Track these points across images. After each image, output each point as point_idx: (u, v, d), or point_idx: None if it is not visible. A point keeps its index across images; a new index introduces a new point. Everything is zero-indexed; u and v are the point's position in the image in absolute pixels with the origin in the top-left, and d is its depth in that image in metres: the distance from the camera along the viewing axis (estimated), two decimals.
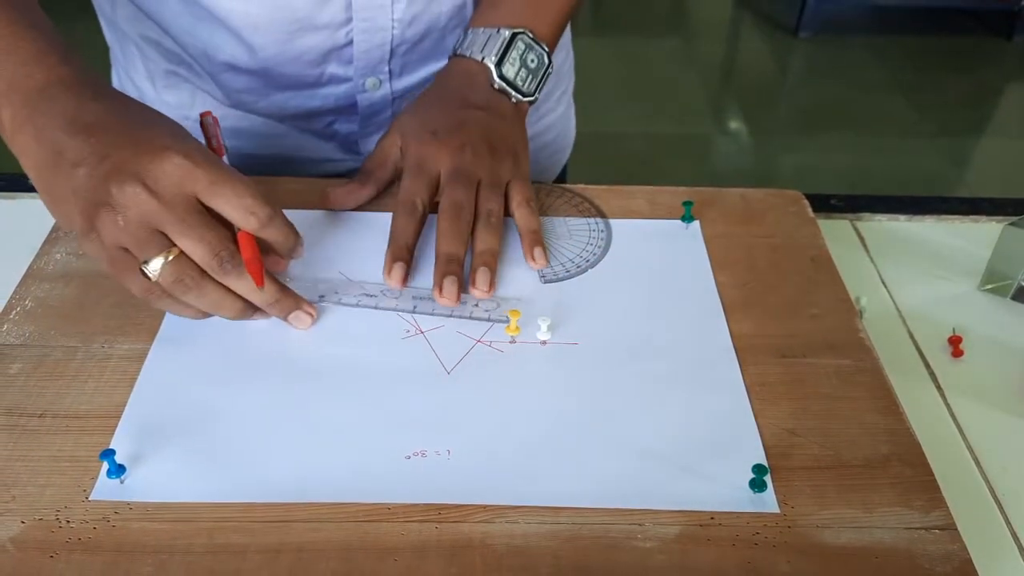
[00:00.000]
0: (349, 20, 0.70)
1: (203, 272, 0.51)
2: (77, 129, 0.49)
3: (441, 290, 0.57)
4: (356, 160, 0.82)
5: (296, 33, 0.70)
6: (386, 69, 0.76)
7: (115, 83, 0.82)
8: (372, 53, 0.73)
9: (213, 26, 0.69)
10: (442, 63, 0.77)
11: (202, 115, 0.57)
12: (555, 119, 0.88)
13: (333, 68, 0.74)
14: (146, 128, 0.50)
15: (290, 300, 0.55)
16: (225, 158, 0.55)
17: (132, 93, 0.79)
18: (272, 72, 0.73)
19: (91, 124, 0.49)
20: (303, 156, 0.81)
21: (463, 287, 0.58)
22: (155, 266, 0.49)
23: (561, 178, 0.96)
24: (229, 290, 0.52)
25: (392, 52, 0.74)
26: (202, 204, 0.50)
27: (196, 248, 0.49)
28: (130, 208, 0.48)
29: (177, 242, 0.49)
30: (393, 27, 0.72)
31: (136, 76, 0.78)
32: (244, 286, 0.52)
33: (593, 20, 3.59)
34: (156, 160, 0.48)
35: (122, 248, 0.50)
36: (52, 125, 0.50)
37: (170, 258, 0.49)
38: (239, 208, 0.50)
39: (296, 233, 0.54)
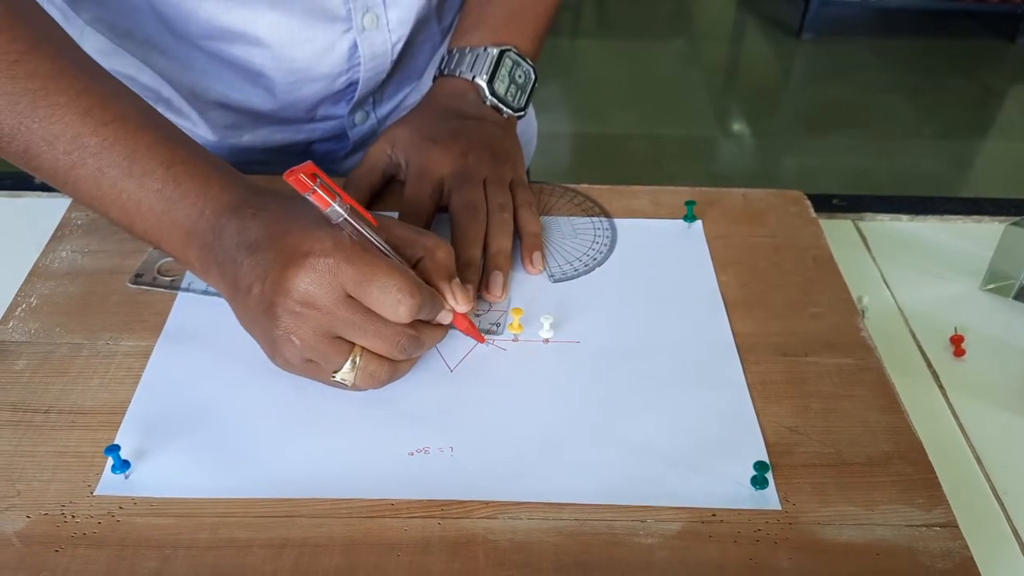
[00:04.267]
0: (348, 70, 0.72)
1: (391, 360, 0.50)
2: (243, 253, 0.49)
3: (456, 298, 0.57)
4: (337, 177, 0.83)
5: (294, 84, 0.71)
6: (371, 100, 0.78)
7: None
8: (367, 94, 0.75)
9: (209, 68, 0.70)
10: (414, 83, 0.79)
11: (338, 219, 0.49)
12: None
13: (325, 109, 0.76)
14: (289, 235, 0.48)
15: (463, 324, 0.54)
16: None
17: None
18: (264, 112, 0.74)
19: (251, 244, 0.49)
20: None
21: (477, 292, 0.58)
22: (345, 374, 0.49)
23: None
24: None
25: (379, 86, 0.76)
26: None
27: (375, 344, 0.49)
28: (299, 326, 0.47)
29: (356, 342, 0.49)
30: (389, 68, 0.74)
31: None
32: (427, 348, 0.52)
33: (597, 22, 3.60)
34: (300, 272, 0.46)
35: (311, 361, 0.49)
36: (226, 257, 0.49)
37: (358, 361, 0.49)
38: (386, 305, 0.48)
39: (462, 295, 0.52)
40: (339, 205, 0.47)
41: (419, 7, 0.71)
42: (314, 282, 0.47)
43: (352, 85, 0.73)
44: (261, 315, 0.48)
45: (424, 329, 0.51)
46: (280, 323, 0.48)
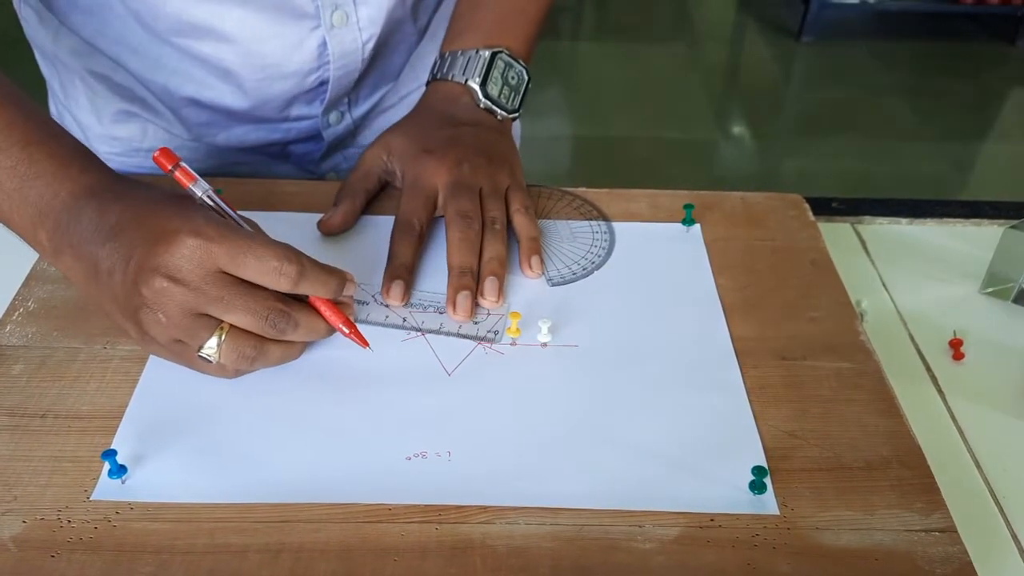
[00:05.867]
0: (318, 68, 0.72)
1: (260, 336, 0.50)
2: (103, 236, 0.48)
3: (455, 306, 0.57)
4: (315, 178, 0.83)
5: (264, 81, 0.71)
6: (346, 101, 0.78)
7: (53, 117, 0.80)
8: (339, 93, 0.75)
9: (180, 65, 0.70)
10: (390, 84, 0.79)
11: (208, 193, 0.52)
12: None
13: (298, 109, 0.76)
14: (157, 216, 0.48)
15: (342, 316, 0.53)
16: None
17: (72, 128, 0.77)
18: (236, 110, 0.74)
19: (113, 227, 0.48)
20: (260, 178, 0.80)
21: (475, 300, 0.58)
22: (210, 349, 0.49)
23: None
24: (291, 341, 0.52)
25: (353, 86, 0.76)
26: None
27: (243, 319, 0.49)
28: (165, 304, 0.47)
29: (223, 319, 0.49)
30: (361, 67, 0.74)
31: (79, 112, 0.77)
32: (302, 332, 0.51)
33: (597, 25, 3.60)
34: (171, 248, 0.47)
35: (178, 341, 0.49)
36: (83, 239, 0.49)
37: (223, 336, 0.49)
38: (267, 273, 0.48)
39: (338, 274, 0.51)
40: (201, 184, 0.50)
41: (391, 6, 0.71)
42: (184, 257, 0.47)
43: (323, 84, 0.73)
44: (124, 297, 0.48)
45: (298, 308, 0.50)
46: (147, 301, 0.47)
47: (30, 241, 0.52)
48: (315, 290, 0.50)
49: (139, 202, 0.50)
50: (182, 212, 0.49)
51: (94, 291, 0.50)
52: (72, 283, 0.52)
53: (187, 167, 0.50)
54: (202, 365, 0.50)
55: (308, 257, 0.50)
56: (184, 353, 0.50)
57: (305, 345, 0.54)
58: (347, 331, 0.53)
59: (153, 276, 0.47)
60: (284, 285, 0.49)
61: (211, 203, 0.50)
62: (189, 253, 0.47)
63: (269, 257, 0.48)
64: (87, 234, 0.49)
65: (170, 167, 0.50)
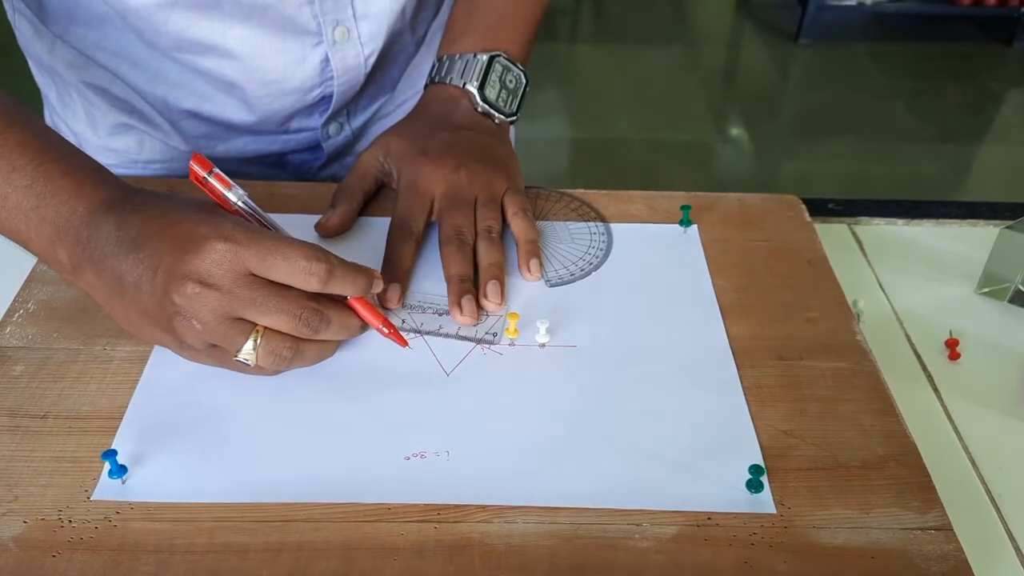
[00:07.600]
0: (321, 83, 0.72)
1: (295, 337, 0.50)
2: (126, 249, 0.48)
3: (461, 309, 0.57)
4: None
5: (266, 97, 0.71)
6: (344, 112, 0.78)
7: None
8: (341, 106, 0.76)
9: (181, 79, 0.70)
10: (388, 94, 0.80)
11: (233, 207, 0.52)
12: None
13: (299, 121, 0.76)
14: (181, 223, 0.48)
15: (381, 317, 0.53)
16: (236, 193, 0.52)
17: (68, 139, 0.77)
18: (237, 123, 0.74)
19: (135, 239, 0.48)
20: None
21: (478, 302, 0.58)
22: (247, 353, 0.49)
23: None
24: (325, 340, 0.52)
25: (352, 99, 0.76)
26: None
27: (277, 320, 0.49)
28: (199, 310, 0.48)
29: (257, 321, 0.49)
30: (362, 81, 0.74)
31: (75, 123, 0.77)
32: (335, 330, 0.51)
33: (595, 27, 3.61)
34: (201, 253, 0.47)
35: (214, 346, 0.50)
36: (104, 254, 0.49)
37: (259, 340, 0.49)
38: (296, 273, 0.48)
39: (366, 272, 0.52)
40: (236, 190, 0.50)
41: (392, 20, 0.71)
42: (214, 262, 0.47)
43: (326, 98, 0.74)
44: (155, 307, 0.48)
45: (330, 306, 0.51)
46: (180, 308, 0.48)
47: (48, 260, 0.52)
48: (344, 289, 0.51)
49: (160, 212, 0.50)
50: (207, 218, 0.49)
51: (119, 305, 0.50)
52: (95, 300, 0.51)
53: (222, 173, 0.51)
54: (240, 368, 0.51)
55: (336, 256, 0.50)
56: (222, 357, 0.50)
57: (339, 343, 0.54)
58: (387, 331, 0.53)
59: (185, 282, 0.47)
60: (314, 284, 0.49)
61: (247, 209, 0.51)
62: (219, 257, 0.47)
63: (297, 257, 0.48)
64: (108, 248, 0.49)
65: (204, 174, 0.50)
